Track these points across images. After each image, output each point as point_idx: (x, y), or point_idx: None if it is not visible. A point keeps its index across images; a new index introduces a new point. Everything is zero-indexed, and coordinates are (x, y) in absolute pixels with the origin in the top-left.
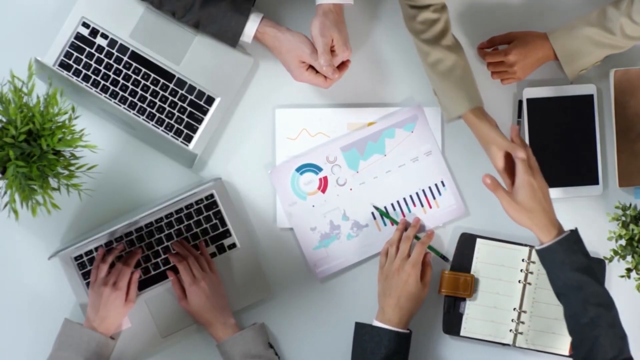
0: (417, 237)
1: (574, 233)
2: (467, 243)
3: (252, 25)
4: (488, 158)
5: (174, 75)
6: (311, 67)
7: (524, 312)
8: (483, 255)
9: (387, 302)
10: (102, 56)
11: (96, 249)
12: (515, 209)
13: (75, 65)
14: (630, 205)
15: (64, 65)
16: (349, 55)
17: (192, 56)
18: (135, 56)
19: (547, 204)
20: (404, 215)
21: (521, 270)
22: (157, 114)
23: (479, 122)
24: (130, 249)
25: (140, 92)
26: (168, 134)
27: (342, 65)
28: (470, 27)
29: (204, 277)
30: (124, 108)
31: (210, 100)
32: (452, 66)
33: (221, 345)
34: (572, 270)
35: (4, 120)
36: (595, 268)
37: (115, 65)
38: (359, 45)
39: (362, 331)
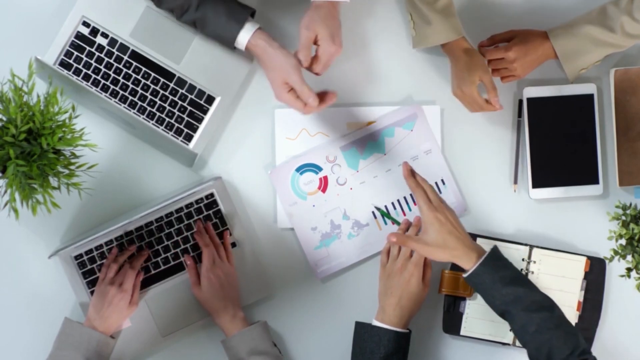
0: None
1: (494, 251)
2: None
3: (245, 35)
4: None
5: (174, 75)
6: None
7: None
8: None
9: (388, 301)
10: (102, 55)
11: (97, 247)
12: (430, 250)
13: (75, 65)
14: (630, 204)
15: (64, 64)
16: (337, 51)
17: (192, 55)
18: (135, 55)
19: (459, 232)
20: (404, 214)
21: (521, 270)
22: (157, 113)
23: (463, 52)
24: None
25: (140, 91)
26: (168, 133)
27: (326, 98)
28: (471, 25)
29: (222, 266)
30: (124, 107)
31: (210, 100)
32: None
33: (228, 340)
34: (504, 286)
35: (4, 119)
36: (523, 277)
37: (115, 64)
38: (358, 45)
39: (362, 331)
